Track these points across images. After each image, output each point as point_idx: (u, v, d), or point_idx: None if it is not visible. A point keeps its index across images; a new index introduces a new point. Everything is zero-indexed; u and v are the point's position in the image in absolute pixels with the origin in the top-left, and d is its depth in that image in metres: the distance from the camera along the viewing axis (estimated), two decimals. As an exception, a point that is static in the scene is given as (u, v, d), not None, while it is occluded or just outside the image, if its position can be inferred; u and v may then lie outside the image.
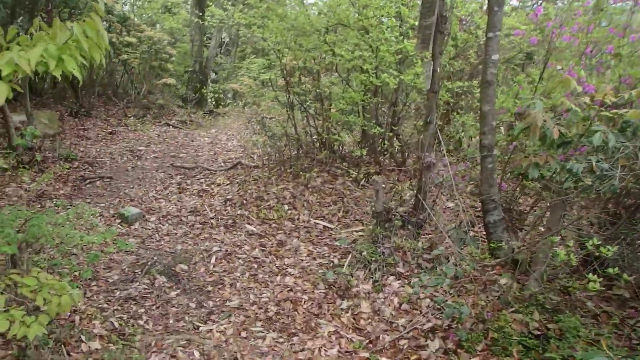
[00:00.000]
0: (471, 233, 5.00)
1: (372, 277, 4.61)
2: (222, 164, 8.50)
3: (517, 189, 5.66)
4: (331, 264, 5.04)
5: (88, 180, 7.47)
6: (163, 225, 6.11)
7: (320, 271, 4.93)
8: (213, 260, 5.21)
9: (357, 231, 5.83)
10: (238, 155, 8.94)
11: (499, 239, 4.54)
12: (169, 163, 8.74)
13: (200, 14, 12.33)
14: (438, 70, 4.98)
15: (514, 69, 8.61)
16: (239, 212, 6.40)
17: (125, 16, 12.34)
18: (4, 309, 2.71)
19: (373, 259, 4.71)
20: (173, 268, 4.96)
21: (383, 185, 5.14)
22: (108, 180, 7.63)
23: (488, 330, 3.61)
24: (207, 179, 7.76)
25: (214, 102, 14.80)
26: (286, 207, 6.42)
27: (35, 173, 7.38)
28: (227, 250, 5.43)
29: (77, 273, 4.55)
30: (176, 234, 5.90)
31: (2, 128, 8.19)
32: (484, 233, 4.90)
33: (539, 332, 3.49)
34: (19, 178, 7.15)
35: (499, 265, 4.49)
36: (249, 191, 6.91)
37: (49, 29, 2.29)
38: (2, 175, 7.11)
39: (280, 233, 5.87)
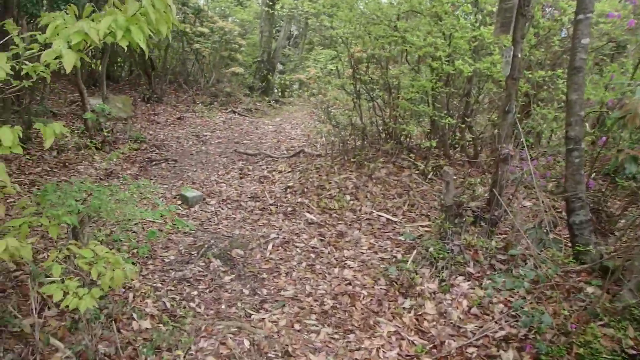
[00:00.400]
0: (552, 235, 4.46)
1: (438, 276, 4.21)
2: (285, 152, 8.35)
3: (607, 188, 5.02)
4: (394, 259, 4.69)
5: (154, 162, 7.56)
6: (222, 209, 6.01)
7: (381, 266, 4.59)
8: (270, 247, 5.02)
9: (423, 226, 5.43)
10: (301, 144, 8.76)
11: (585, 242, 3.99)
12: (232, 149, 8.71)
13: (271, 3, 12.30)
14: (519, 56, 4.47)
15: (603, 59, 7.77)
16: (299, 200, 6.19)
17: (199, 8, 12.57)
18: (60, 279, 2.64)
19: (440, 256, 4.31)
20: (229, 252, 4.81)
21: (454, 178, 4.71)
22: (173, 162, 7.69)
23: (572, 345, 3.13)
24: (268, 166, 7.62)
25: (279, 92, 14.77)
26: (348, 197, 6.13)
27: (106, 153, 7.57)
28: (284, 238, 5.22)
29: (135, 250, 4.52)
30: (234, 218, 5.77)
31: (80, 110, 8.51)
32: (567, 235, 4.36)
33: (634, 352, 2.98)
34: (91, 157, 7.36)
35: (585, 272, 3.94)
36: (310, 179, 6.68)
37: (122, 5, 2.28)
38: (76, 153, 7.35)
39: (340, 224, 5.59)
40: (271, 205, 6.13)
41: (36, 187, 6.21)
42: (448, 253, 4.33)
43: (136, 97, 11.15)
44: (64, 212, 2.84)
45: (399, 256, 4.73)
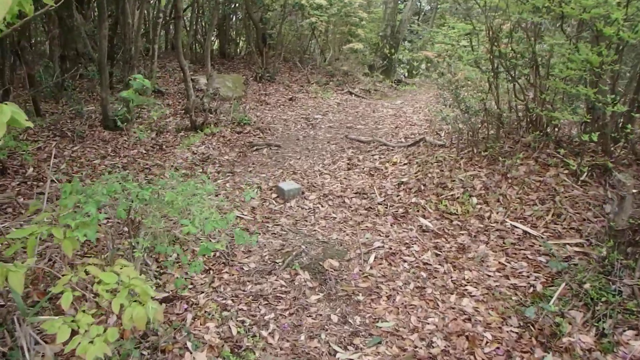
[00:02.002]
0: None
1: (596, 326, 3.12)
2: (403, 140, 7.48)
3: None
4: (531, 290, 3.66)
5: (255, 147, 7.22)
6: (322, 206, 5.39)
7: (513, 297, 3.60)
8: (371, 259, 4.27)
9: (572, 245, 4.26)
10: (422, 131, 7.80)
11: None
12: (343, 134, 8.07)
13: (397, -31, 11.36)
14: None
15: None
16: (413, 199, 5.33)
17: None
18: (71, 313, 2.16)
19: (601, 298, 3.21)
20: (321, 263, 4.16)
21: (634, 191, 3.52)
22: (275, 148, 7.28)
23: None
24: (382, 156, 6.83)
25: (404, 71, 13.79)
26: (475, 200, 5.11)
27: (206, 136, 7.41)
28: (390, 249, 4.43)
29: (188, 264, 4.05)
30: (334, 218, 5.11)
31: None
32: None
33: None
34: (190, 139, 7.23)
35: None
36: (430, 175, 5.76)
37: None
38: (174, 135, 7.28)
39: (462, 234, 4.63)
40: (379, 204, 5.37)
41: (128, 171, 6.17)
42: (613, 295, 3.21)
43: (248, 76, 11.05)
44: (78, 222, 2.36)
45: (539, 287, 3.68)
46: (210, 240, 4.17)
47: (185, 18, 12.01)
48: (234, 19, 13.66)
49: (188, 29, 12.80)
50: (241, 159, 6.84)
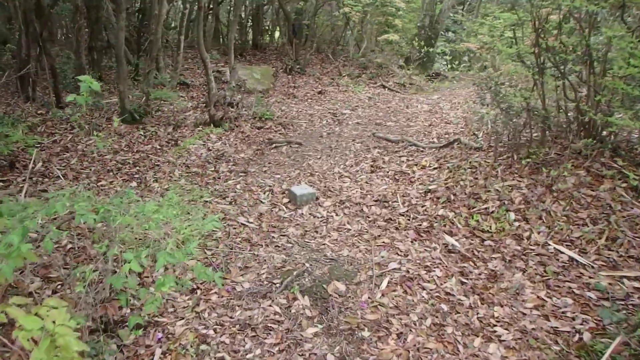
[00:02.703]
0: None
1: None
2: (435, 140, 6.70)
3: None
4: (576, 338, 2.93)
5: (274, 145, 6.62)
6: (336, 215, 4.74)
7: (553, 347, 2.89)
8: (384, 284, 3.60)
9: (631, 279, 3.46)
10: (458, 131, 6.99)
11: None
12: (371, 132, 7.36)
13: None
14: None
15: None
16: (440, 211, 4.60)
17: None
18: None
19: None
20: (325, 286, 3.54)
21: None
22: (296, 146, 6.66)
23: None
24: (410, 158, 6.10)
25: (443, 64, 12.83)
26: (512, 215, 4.34)
27: (225, 131, 6.86)
28: (408, 272, 3.74)
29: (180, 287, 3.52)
30: (348, 230, 4.46)
31: (217, 81, 7.99)
32: None
33: None
34: (207, 135, 6.70)
35: None
36: (462, 183, 5.00)
37: None
38: (192, 130, 6.77)
39: (495, 257, 3.89)
40: (401, 215, 4.67)
41: (137, 168, 5.70)
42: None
43: (278, 68, 10.46)
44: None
45: (586, 336, 2.93)
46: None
47: (218, 8, 11.50)
48: (268, 9, 13.10)
49: (220, 19, 12.31)
50: (257, 157, 6.25)
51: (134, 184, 5.29)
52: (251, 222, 4.57)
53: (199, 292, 3.42)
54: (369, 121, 8.02)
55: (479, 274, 3.71)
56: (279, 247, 4.15)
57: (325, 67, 11.08)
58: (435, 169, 5.62)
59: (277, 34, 13.73)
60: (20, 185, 5.04)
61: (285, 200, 5.03)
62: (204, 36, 7.57)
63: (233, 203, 4.96)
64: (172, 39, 9.46)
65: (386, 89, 10.25)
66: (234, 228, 4.44)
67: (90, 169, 5.59)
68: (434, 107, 8.93)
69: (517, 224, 4.29)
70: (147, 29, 8.52)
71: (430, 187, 5.11)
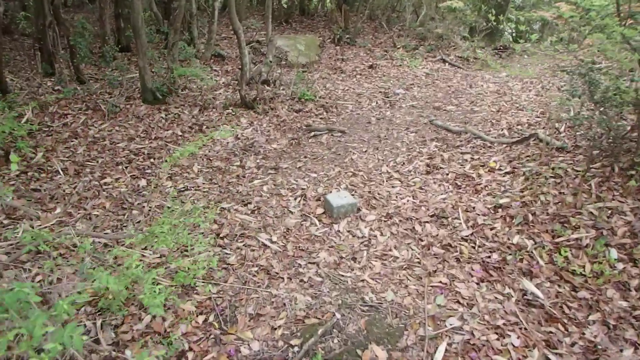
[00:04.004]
0: None
1: None
2: (505, 133, 5.46)
3: None
4: None
5: (313, 133, 5.61)
6: (381, 235, 3.73)
7: None
8: (440, 354, 2.60)
9: None
10: (533, 121, 5.70)
11: None
12: (428, 118, 6.19)
13: None
14: None
15: None
16: (515, 237, 3.51)
17: None
18: None
19: None
20: (359, 352, 2.58)
21: None
22: (338, 135, 5.62)
23: None
24: (475, 156, 4.95)
25: (512, 35, 11.20)
26: (614, 253, 3.20)
27: (257, 114, 5.90)
28: (473, 335, 2.72)
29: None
30: (395, 259, 3.45)
31: (256, 52, 7.01)
32: None
33: None
34: (237, 119, 5.77)
35: None
36: (542, 197, 3.85)
37: None
38: (220, 113, 5.85)
39: (594, 320, 2.79)
40: (464, 239, 3.60)
41: (151, 160, 4.86)
42: None
43: (326, 38, 9.31)
44: None
45: None
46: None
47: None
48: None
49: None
50: (292, 148, 5.28)
51: (143, 182, 4.47)
52: (274, 242, 3.64)
53: (189, 356, 2.55)
54: (425, 104, 6.82)
55: (572, 346, 2.63)
56: (304, 282, 3.21)
57: (378, 37, 9.81)
58: (507, 173, 4.45)
59: (327, -2, 12.49)
60: (12, 182, 4.33)
61: (320, 210, 4.06)
62: (235, 3, 6.59)
63: (256, 212, 4.04)
64: (210, 5, 8.49)
65: (447, 63, 8.89)
66: (252, 250, 3.53)
67: (98, 161, 4.81)
68: (502, 88, 7.57)
69: (621, 265, 3.14)
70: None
71: (501, 201, 3.98)
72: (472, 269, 3.30)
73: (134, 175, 4.60)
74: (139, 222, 3.90)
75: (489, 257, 3.40)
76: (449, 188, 4.40)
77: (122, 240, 3.41)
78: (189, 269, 2.88)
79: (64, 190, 4.31)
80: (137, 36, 5.45)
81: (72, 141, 5.17)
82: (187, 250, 3.28)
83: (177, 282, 2.88)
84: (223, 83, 6.87)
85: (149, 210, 4.06)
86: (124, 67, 6.43)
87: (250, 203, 4.18)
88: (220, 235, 3.71)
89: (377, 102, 6.80)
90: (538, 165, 4.39)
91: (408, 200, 4.21)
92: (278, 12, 11.05)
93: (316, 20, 11.15)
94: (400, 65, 8.62)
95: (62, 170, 4.61)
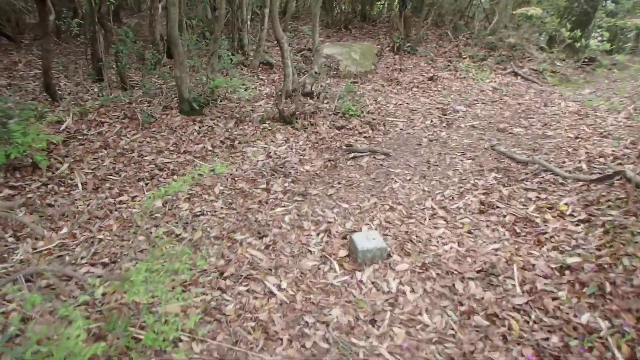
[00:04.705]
0: None
1: None
2: (584, 166, 4.50)
3: None
4: None
5: (353, 155, 4.95)
6: (412, 292, 3.03)
7: None
8: None
9: None
10: (621, 153, 4.68)
11: None
12: (489, 141, 5.33)
13: None
14: None
15: None
16: (584, 316, 2.69)
17: None
18: None
19: None
20: None
21: None
22: (381, 158, 4.92)
23: None
24: (542, 194, 4.07)
25: (601, 45, 9.85)
26: None
27: (295, 130, 5.33)
28: None
29: None
30: (424, 328, 2.74)
31: (304, 60, 6.47)
32: None
33: None
34: (273, 134, 5.24)
35: None
36: (626, 262, 2.98)
37: None
38: (256, 127, 5.34)
39: None
40: (515, 310, 2.82)
41: (174, 177, 4.43)
42: None
43: (384, 46, 8.59)
44: None
45: None
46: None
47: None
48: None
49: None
50: (327, 171, 4.66)
51: (159, 202, 4.05)
52: (283, 289, 3.05)
53: None
54: (488, 124, 5.93)
55: None
56: (306, 348, 2.60)
57: (443, 46, 8.94)
58: (581, 222, 3.57)
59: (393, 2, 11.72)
60: (29, 195, 4.07)
61: (343, 252, 3.42)
62: (296, 9, 6.08)
63: (270, 248, 3.47)
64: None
65: (519, 77, 7.86)
66: (255, 297, 2.97)
67: (120, 175, 4.47)
68: (584, 108, 6.48)
69: None
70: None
71: (569, 260, 3.13)
72: (522, 354, 2.52)
73: (152, 194, 4.21)
74: (141, 251, 3.46)
75: (547, 339, 2.60)
76: (504, 235, 3.59)
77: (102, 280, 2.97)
78: (160, 330, 2.36)
79: (77, 207, 3.99)
80: (173, 45, 5.08)
81: (102, 152, 4.89)
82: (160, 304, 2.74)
83: (146, 343, 2.38)
84: (266, 94, 6.39)
85: (157, 237, 3.62)
86: (166, 75, 6.13)
87: (266, 236, 3.62)
88: (224, 275, 3.18)
89: (432, 120, 6.01)
90: (623, 214, 3.47)
91: (452, 248, 3.46)
92: (338, 18, 10.47)
93: (377, 26, 10.45)
94: (465, 77, 7.73)
95: (81, 184, 4.31)
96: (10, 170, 4.44)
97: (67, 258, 3.38)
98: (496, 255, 3.34)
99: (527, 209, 3.90)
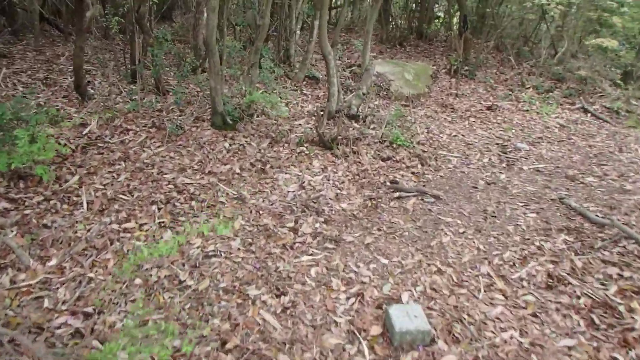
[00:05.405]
0: None
1: None
2: (675, 235, 3.64)
3: None
4: None
5: (398, 194, 4.24)
6: (460, 400, 2.32)
7: None
8: None
9: None
10: None
11: None
12: (557, 191, 4.51)
13: None
14: None
15: None
16: None
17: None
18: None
19: None
20: None
21: None
22: (430, 202, 4.18)
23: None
24: (625, 270, 3.27)
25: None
26: None
27: (335, 158, 4.67)
28: None
29: None
30: None
31: (352, 78, 5.81)
32: None
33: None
34: (310, 161, 4.59)
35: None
36: None
37: None
38: (291, 150, 4.71)
39: None
40: None
41: (192, 203, 3.83)
42: None
43: (440, 67, 7.82)
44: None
45: None
46: None
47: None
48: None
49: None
50: (366, 212, 3.97)
51: (167, 234, 3.47)
52: (297, 375, 2.40)
53: None
54: (555, 169, 5.09)
55: None
56: None
57: (504, 73, 8.09)
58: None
59: (453, 19, 10.91)
60: (26, 211, 3.58)
61: (376, 329, 2.72)
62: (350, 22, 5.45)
63: (288, 312, 2.82)
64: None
65: (589, 114, 6.92)
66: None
67: (133, 195, 3.93)
68: (668, 157, 5.52)
69: None
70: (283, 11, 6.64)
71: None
72: None
73: (162, 222, 3.63)
74: (133, 300, 2.88)
75: None
76: (579, 325, 2.81)
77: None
78: None
79: (75, 232, 3.45)
80: (210, 53, 4.53)
81: (119, 164, 4.38)
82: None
83: None
84: (307, 112, 5.75)
85: (156, 281, 3.03)
86: (202, 84, 5.61)
87: (285, 294, 2.98)
88: (226, 346, 2.55)
89: (490, 158, 5.22)
90: None
91: (512, 337, 2.71)
92: (393, 33, 9.74)
93: (434, 45, 9.68)
94: (528, 110, 6.85)
95: (87, 203, 3.79)
96: (15, 179, 3.97)
97: (46, 302, 2.83)
98: (569, 356, 2.57)
99: (607, 290, 3.09)
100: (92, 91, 6.00)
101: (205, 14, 6.43)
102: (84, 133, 4.89)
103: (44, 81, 6.47)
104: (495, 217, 4.06)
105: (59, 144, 4.75)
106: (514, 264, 3.42)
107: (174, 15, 10.86)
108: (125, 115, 5.24)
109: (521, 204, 4.29)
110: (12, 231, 3.41)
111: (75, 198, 3.81)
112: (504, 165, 5.11)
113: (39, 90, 6.23)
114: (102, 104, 5.59)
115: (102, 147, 4.66)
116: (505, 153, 5.37)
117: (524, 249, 3.58)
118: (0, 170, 3.68)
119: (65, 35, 8.48)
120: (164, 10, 8.47)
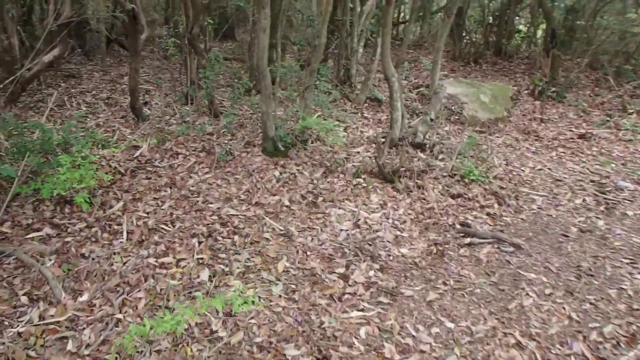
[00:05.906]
0: None
1: None
2: None
3: None
4: None
5: (469, 240, 3.70)
6: None
7: None
8: None
9: None
10: None
11: None
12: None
13: None
14: None
15: None
16: None
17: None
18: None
19: None
20: None
21: None
22: (509, 252, 3.60)
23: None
24: None
25: None
26: None
27: (397, 193, 4.21)
28: None
29: None
30: None
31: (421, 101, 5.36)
32: None
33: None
34: (367, 195, 4.16)
35: None
36: None
37: None
38: (347, 182, 4.30)
39: None
40: None
41: (235, 238, 3.53)
42: None
43: (522, 87, 7.13)
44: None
45: None
46: None
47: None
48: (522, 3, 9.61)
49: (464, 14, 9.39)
50: (430, 261, 3.48)
51: (205, 274, 3.19)
52: None
53: None
54: (668, 214, 4.31)
55: None
56: None
57: (600, 95, 7.23)
58: None
59: (537, 33, 10.12)
60: (68, 239, 3.46)
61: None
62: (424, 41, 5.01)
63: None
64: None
65: None
66: None
67: (175, 225, 3.71)
68: None
69: None
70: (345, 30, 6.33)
71: None
72: None
73: (200, 259, 3.37)
74: (158, 351, 2.60)
75: None
76: None
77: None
78: None
79: (111, 265, 3.28)
80: (261, 76, 4.30)
81: (165, 191, 4.21)
82: None
83: None
84: (367, 138, 5.35)
85: (186, 329, 2.74)
86: (255, 107, 5.40)
87: (328, 358, 2.57)
88: None
89: (584, 199, 4.51)
90: None
91: None
92: (466, 50, 9.12)
93: (514, 63, 8.96)
94: (631, 140, 5.99)
95: (127, 232, 3.63)
96: (61, 204, 3.92)
97: (70, 344, 2.63)
98: None
99: None
100: (148, 111, 6.01)
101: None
102: (134, 156, 4.83)
103: (106, 101, 6.62)
104: (592, 276, 3.40)
105: (110, 166, 4.78)
106: (618, 342, 2.77)
107: (236, 33, 10.96)
108: (176, 138, 5.13)
109: (626, 261, 3.58)
110: (50, 259, 3.31)
111: (116, 226, 3.67)
112: (602, 208, 4.38)
113: (100, 110, 6.37)
114: (155, 125, 5.56)
115: (151, 172, 4.56)
116: (603, 193, 4.63)
117: (631, 323, 2.92)
118: (44, 196, 3.67)
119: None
120: (225, 29, 8.48)
